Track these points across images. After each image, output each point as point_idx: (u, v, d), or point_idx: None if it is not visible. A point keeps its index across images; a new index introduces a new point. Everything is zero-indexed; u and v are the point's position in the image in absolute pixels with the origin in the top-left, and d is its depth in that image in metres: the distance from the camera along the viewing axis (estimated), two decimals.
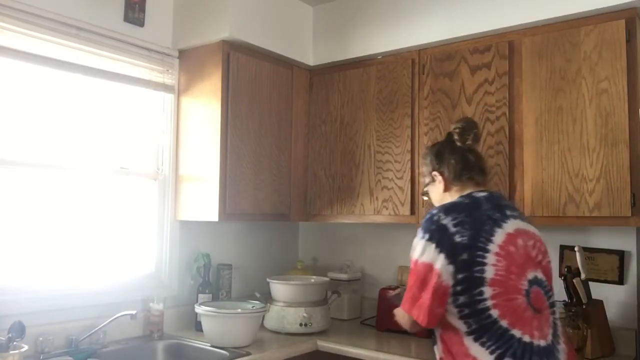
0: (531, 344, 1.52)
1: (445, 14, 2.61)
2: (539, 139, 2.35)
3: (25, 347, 1.89)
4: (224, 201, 2.60)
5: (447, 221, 1.61)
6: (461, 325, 1.56)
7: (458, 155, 1.80)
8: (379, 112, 2.83)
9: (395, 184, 2.73)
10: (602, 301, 2.40)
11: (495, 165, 2.45)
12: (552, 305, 1.65)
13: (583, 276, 2.34)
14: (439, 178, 1.82)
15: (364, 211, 2.84)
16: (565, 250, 2.55)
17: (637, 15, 2.20)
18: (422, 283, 1.58)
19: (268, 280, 2.82)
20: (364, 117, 2.88)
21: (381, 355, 2.36)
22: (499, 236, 1.60)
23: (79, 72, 2.42)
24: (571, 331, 2.16)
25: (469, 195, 1.73)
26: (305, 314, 2.66)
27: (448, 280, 1.55)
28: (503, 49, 2.47)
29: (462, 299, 1.55)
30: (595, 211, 2.19)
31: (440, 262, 1.56)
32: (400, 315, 1.68)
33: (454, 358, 1.59)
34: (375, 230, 3.20)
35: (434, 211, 1.66)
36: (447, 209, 1.66)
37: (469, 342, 1.55)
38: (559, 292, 2.41)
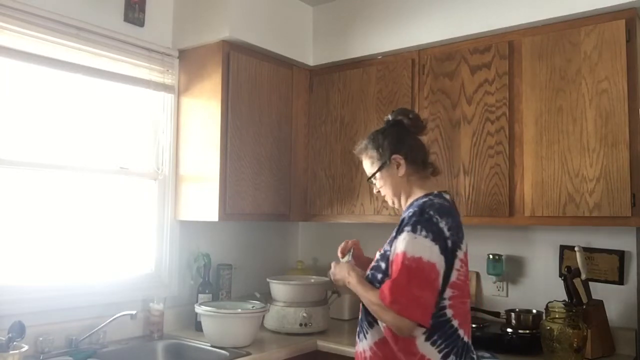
0: (468, 343, 1.66)
1: (445, 14, 2.61)
2: (539, 139, 2.35)
3: (25, 347, 1.89)
4: (224, 201, 2.60)
5: (443, 225, 1.62)
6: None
7: (418, 145, 1.78)
8: (379, 112, 2.83)
9: None
10: (602, 301, 2.40)
11: (495, 165, 2.45)
12: None
13: (583, 276, 2.34)
14: (400, 162, 1.74)
15: (364, 211, 2.84)
16: (565, 250, 2.55)
17: (637, 15, 2.20)
18: (425, 282, 1.55)
19: (268, 280, 2.82)
20: (364, 117, 2.88)
21: None
22: (464, 244, 1.68)
23: (79, 72, 2.42)
24: (571, 331, 2.16)
25: (442, 197, 1.72)
26: (305, 314, 2.66)
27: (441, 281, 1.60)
28: (503, 49, 2.47)
29: None
30: (595, 211, 2.19)
31: (441, 264, 1.58)
32: (393, 318, 1.56)
33: (404, 350, 1.60)
34: (375, 230, 3.20)
35: (430, 212, 1.63)
36: (440, 212, 1.64)
37: (420, 340, 1.59)
38: (560, 292, 2.42)
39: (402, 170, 1.75)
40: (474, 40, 2.56)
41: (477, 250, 2.80)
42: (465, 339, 1.65)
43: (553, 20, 2.35)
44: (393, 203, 1.84)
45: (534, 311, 2.46)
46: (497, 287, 2.74)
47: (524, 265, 2.69)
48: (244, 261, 3.10)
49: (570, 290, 2.35)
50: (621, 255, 2.43)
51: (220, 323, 2.38)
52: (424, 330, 1.58)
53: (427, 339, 1.58)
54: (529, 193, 2.35)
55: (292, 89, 3.01)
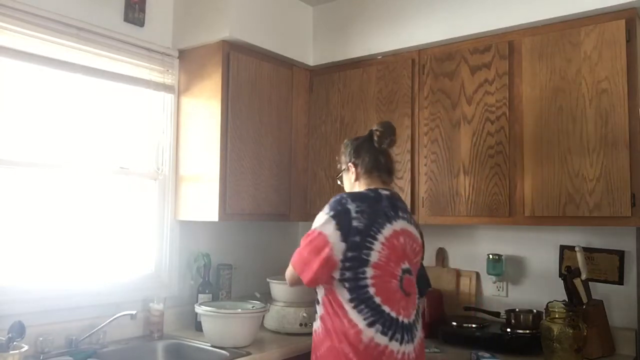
0: (397, 319, 1.83)
1: (445, 14, 2.61)
2: (539, 139, 2.35)
3: (25, 347, 1.89)
4: (224, 201, 2.60)
5: (352, 207, 1.88)
6: (344, 294, 1.84)
7: (372, 155, 2.05)
8: (379, 112, 2.83)
9: (395, 184, 2.73)
10: (602, 301, 2.40)
11: (495, 165, 2.45)
12: (420, 293, 1.99)
13: (583, 276, 2.34)
14: (352, 169, 2.08)
15: None
16: (565, 250, 2.55)
17: (637, 15, 2.20)
18: (316, 250, 1.86)
19: (268, 280, 2.82)
20: (364, 117, 2.88)
21: None
22: (388, 230, 1.88)
23: (79, 72, 2.42)
24: (571, 331, 2.16)
25: (374, 190, 1.99)
26: (305, 314, 2.66)
27: (338, 255, 1.83)
28: (503, 49, 2.47)
29: (348, 273, 1.83)
30: (595, 211, 2.19)
31: (335, 238, 1.84)
32: (289, 270, 1.99)
33: (336, 316, 1.85)
34: None
35: (344, 195, 1.93)
36: (355, 197, 1.93)
37: (348, 307, 1.83)
38: (560, 292, 2.42)
39: (353, 177, 2.07)
40: (474, 40, 2.56)
41: (477, 250, 2.80)
42: (393, 315, 1.82)
43: (553, 20, 2.35)
44: None
45: (534, 311, 2.46)
46: (497, 287, 2.74)
47: (524, 265, 2.69)
48: (244, 261, 3.10)
49: (570, 290, 2.35)
50: (621, 255, 2.43)
51: (220, 323, 2.38)
52: (350, 298, 1.82)
53: (354, 307, 1.82)
54: (529, 193, 2.35)
55: (292, 89, 3.01)
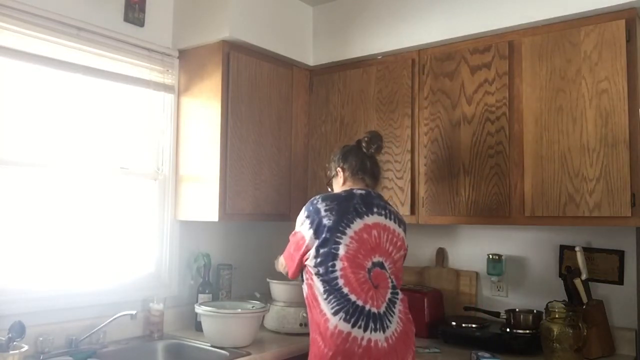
0: (363, 307, 1.94)
1: (445, 14, 2.61)
2: (539, 139, 2.35)
3: (25, 347, 1.89)
4: (224, 201, 2.60)
5: (321, 206, 2.07)
6: (320, 287, 2.00)
7: (359, 159, 2.21)
8: (379, 112, 2.83)
9: (395, 184, 2.73)
10: (602, 301, 2.40)
11: (495, 165, 2.45)
12: (394, 287, 2.06)
13: (583, 276, 2.34)
14: (340, 174, 2.23)
15: None
16: (565, 250, 2.55)
17: (637, 15, 2.20)
18: (297, 246, 2.10)
19: (268, 280, 2.82)
20: (364, 117, 2.88)
21: None
22: (357, 224, 2.03)
23: (79, 72, 2.42)
24: (571, 331, 2.16)
25: (349, 190, 2.15)
26: (305, 314, 2.66)
27: (312, 250, 2.02)
28: (503, 49, 2.47)
29: (321, 269, 2.00)
30: (595, 211, 2.19)
31: (309, 235, 2.05)
32: (281, 261, 2.27)
33: (313, 308, 2.02)
34: None
35: (316, 197, 2.12)
36: (325, 197, 2.11)
37: (321, 299, 1.99)
38: (560, 292, 2.42)
39: (341, 181, 2.23)
40: (474, 40, 2.56)
41: (477, 250, 2.80)
42: (360, 303, 1.94)
43: (553, 20, 2.35)
44: None
45: (534, 311, 2.46)
46: (497, 287, 2.74)
47: (524, 265, 2.69)
48: (244, 261, 3.10)
49: (570, 290, 2.35)
50: (621, 255, 2.43)
51: (220, 323, 2.38)
52: (323, 290, 1.98)
53: (325, 299, 1.97)
54: (529, 193, 2.35)
55: (292, 89, 3.01)
